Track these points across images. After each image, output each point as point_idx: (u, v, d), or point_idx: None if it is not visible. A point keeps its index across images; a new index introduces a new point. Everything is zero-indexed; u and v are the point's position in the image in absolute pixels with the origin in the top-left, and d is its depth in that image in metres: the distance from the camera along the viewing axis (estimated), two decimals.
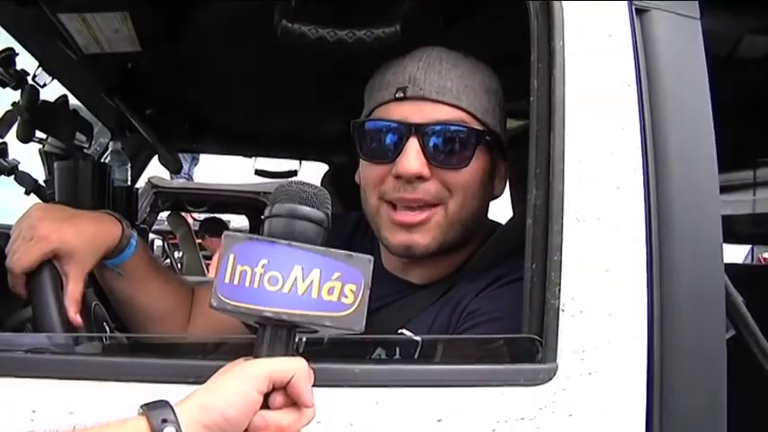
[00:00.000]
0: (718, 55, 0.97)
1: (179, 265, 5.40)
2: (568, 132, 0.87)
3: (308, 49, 0.98)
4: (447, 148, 0.97)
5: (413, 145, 0.96)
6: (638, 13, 0.92)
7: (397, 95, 0.99)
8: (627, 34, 0.90)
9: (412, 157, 0.96)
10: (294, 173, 2.66)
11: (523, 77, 0.90)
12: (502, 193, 1.10)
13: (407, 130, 0.97)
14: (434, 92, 0.98)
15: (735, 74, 1.12)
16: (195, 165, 5.56)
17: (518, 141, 1.06)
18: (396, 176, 0.98)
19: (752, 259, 4.63)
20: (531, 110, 0.88)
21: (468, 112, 0.99)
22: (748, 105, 1.45)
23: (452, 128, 0.98)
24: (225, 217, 5.20)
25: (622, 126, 0.89)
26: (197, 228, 5.20)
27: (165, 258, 5.51)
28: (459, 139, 0.98)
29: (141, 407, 0.65)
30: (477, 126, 0.99)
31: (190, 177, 5.28)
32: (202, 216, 5.32)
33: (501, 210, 1.20)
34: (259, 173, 2.63)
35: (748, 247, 4.41)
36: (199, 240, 5.03)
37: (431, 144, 0.97)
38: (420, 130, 0.97)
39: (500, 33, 1.14)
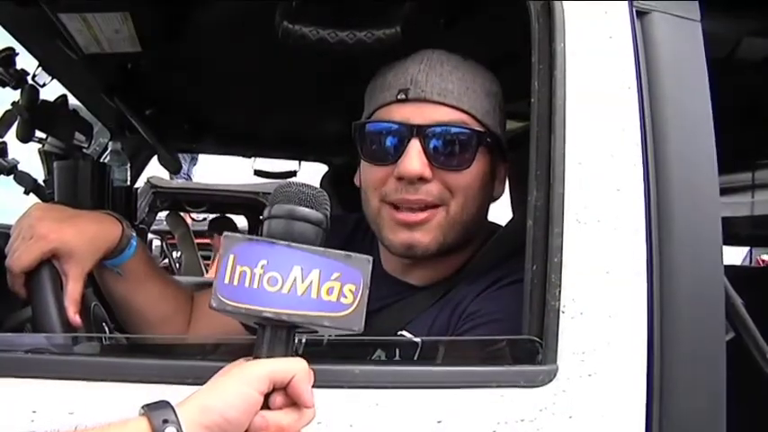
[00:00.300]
0: (717, 57, 0.98)
1: (177, 265, 5.39)
2: (569, 134, 0.87)
3: (308, 49, 0.98)
4: (448, 149, 0.98)
5: (414, 146, 0.96)
6: (639, 14, 0.92)
7: (398, 97, 0.99)
8: (627, 36, 0.91)
9: (414, 158, 0.96)
10: (293, 173, 2.66)
11: (523, 79, 0.90)
12: (501, 194, 1.10)
13: (409, 131, 0.97)
14: (436, 93, 0.98)
15: (734, 76, 1.12)
16: (194, 165, 5.57)
17: (518, 143, 1.06)
18: (397, 178, 0.98)
19: (750, 261, 4.64)
20: (532, 111, 0.89)
21: (469, 114, 0.99)
22: (747, 108, 1.46)
23: (454, 129, 0.98)
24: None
25: (623, 128, 0.89)
26: (205, 227, 5.21)
27: (164, 258, 5.52)
28: (460, 140, 0.98)
29: (142, 407, 0.66)
30: (478, 128, 1.00)
31: (188, 177, 5.28)
32: (201, 216, 5.32)
33: (501, 211, 1.20)
34: (258, 173, 2.63)
35: (746, 249, 4.42)
36: (207, 240, 5.04)
37: (432, 145, 0.97)
38: (422, 132, 0.97)
39: (500, 34, 1.14)
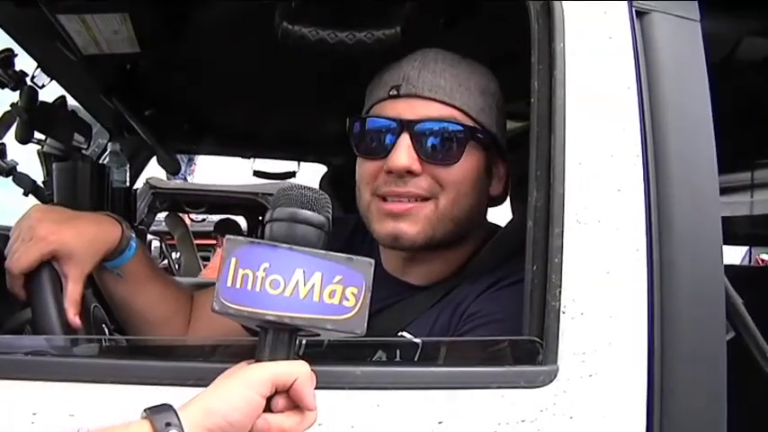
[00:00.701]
0: (717, 57, 0.98)
1: (177, 265, 5.39)
2: (569, 134, 0.87)
3: (307, 50, 0.98)
4: (438, 144, 0.99)
5: (404, 140, 0.97)
6: (639, 14, 0.92)
7: (390, 93, 1.01)
8: (627, 36, 0.91)
9: (402, 152, 0.97)
10: (292, 174, 2.65)
11: (523, 79, 0.90)
12: (503, 194, 1.10)
13: (399, 126, 0.98)
14: (427, 89, 0.99)
15: (734, 76, 1.12)
16: (191, 166, 5.58)
17: (517, 143, 1.06)
18: (387, 171, 0.99)
19: (749, 261, 4.64)
20: (532, 111, 0.89)
21: (461, 110, 1.00)
22: (747, 108, 1.46)
23: (443, 124, 0.99)
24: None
25: (623, 128, 0.89)
26: (204, 228, 5.22)
27: (163, 259, 5.52)
28: (450, 135, 0.99)
29: (145, 410, 0.65)
30: (469, 123, 1.00)
31: (185, 178, 5.29)
32: (200, 217, 5.32)
33: (501, 212, 1.20)
34: (257, 174, 2.63)
35: (745, 248, 4.42)
36: (207, 240, 5.05)
37: (422, 140, 0.98)
38: (411, 127, 0.98)
39: (500, 34, 1.14)
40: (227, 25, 1.29)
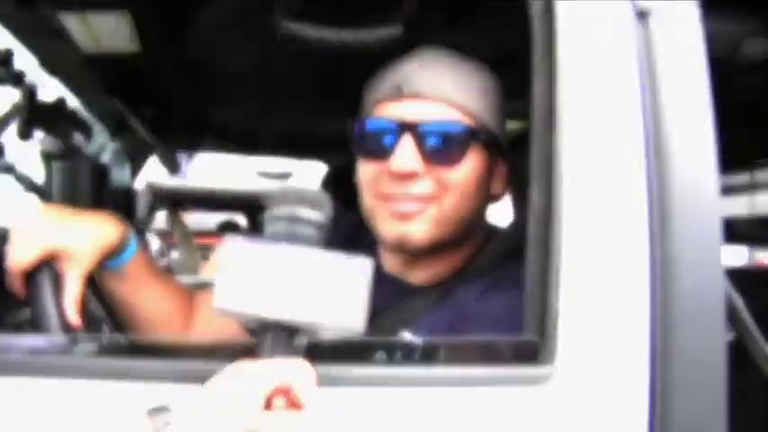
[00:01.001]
0: (718, 57, 0.97)
1: (177, 265, 5.39)
2: (570, 134, 0.87)
3: (308, 48, 0.98)
4: (441, 145, 0.98)
5: (407, 142, 0.97)
6: (640, 14, 0.92)
7: (391, 94, 1.00)
8: (629, 36, 0.91)
9: (405, 155, 0.96)
10: (293, 173, 2.65)
11: (524, 78, 0.90)
12: (503, 193, 1.10)
13: (401, 127, 0.98)
14: (427, 90, 0.99)
15: (735, 76, 1.12)
16: (191, 165, 5.57)
17: (517, 143, 1.06)
18: (389, 173, 0.98)
19: (749, 261, 4.63)
20: (533, 111, 0.88)
21: (463, 111, 1.00)
22: (747, 108, 1.46)
23: (446, 125, 0.98)
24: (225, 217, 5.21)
25: (623, 128, 0.89)
26: (204, 227, 5.21)
27: (163, 259, 5.51)
28: (452, 136, 0.99)
29: (145, 410, 0.65)
30: (471, 124, 1.00)
31: (185, 178, 5.29)
32: (201, 216, 5.31)
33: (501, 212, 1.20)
34: (258, 173, 2.63)
35: (746, 249, 4.41)
36: (207, 240, 5.04)
37: (425, 141, 0.98)
38: (414, 128, 0.97)
39: (502, 33, 1.14)
40: (227, 25, 1.29)
